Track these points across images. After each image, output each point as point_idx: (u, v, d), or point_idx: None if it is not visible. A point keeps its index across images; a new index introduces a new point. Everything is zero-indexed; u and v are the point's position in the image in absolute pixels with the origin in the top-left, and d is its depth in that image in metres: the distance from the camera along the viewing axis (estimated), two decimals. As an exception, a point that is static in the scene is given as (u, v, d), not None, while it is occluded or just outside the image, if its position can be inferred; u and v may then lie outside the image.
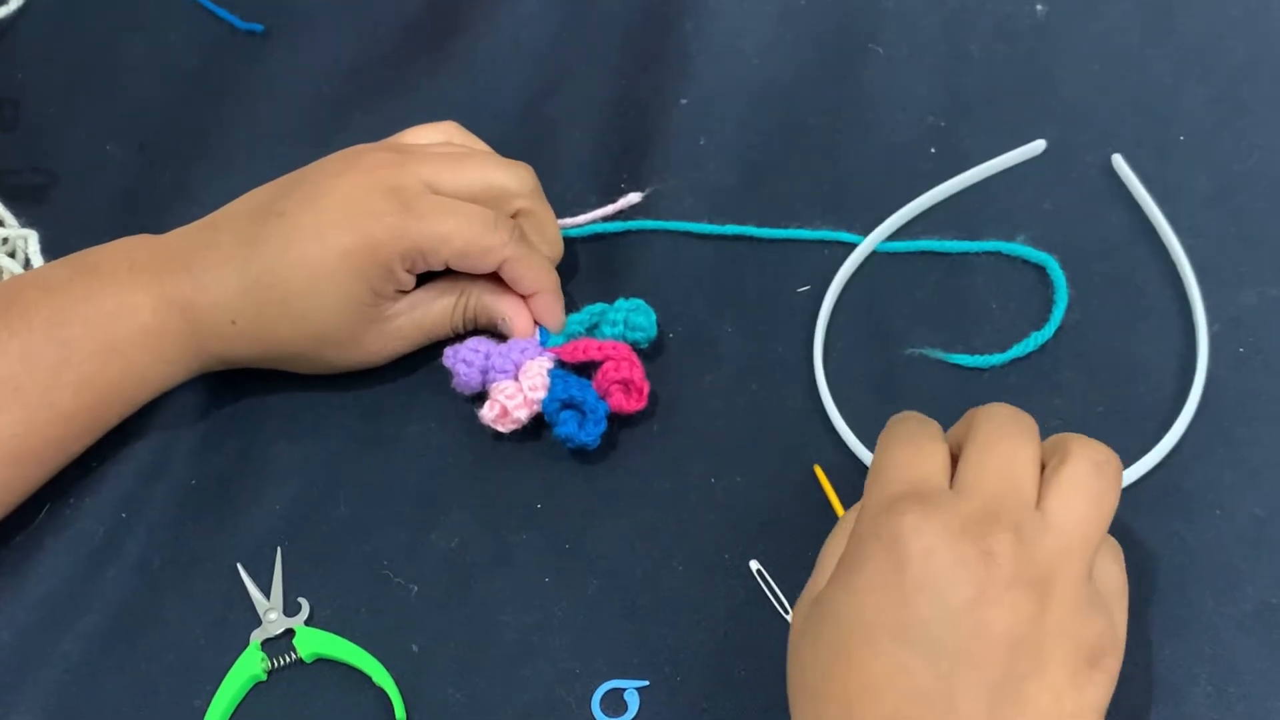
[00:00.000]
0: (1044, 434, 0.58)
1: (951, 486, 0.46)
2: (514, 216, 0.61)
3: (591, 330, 0.62)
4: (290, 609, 0.57)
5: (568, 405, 0.59)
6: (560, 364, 0.61)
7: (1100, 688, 0.44)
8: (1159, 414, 0.59)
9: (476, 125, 0.71)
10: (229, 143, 0.74)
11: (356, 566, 0.58)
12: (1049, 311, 0.62)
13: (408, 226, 0.57)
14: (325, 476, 0.61)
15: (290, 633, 0.56)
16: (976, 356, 0.61)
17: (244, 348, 0.59)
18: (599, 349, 0.60)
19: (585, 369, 0.61)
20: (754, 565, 0.56)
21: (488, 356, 0.60)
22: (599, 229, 0.67)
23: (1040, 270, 0.63)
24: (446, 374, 0.61)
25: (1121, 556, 0.48)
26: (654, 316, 0.62)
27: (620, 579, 0.57)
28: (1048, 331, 0.61)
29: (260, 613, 0.57)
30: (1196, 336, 0.60)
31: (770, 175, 0.69)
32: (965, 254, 0.65)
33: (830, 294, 0.63)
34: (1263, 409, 0.59)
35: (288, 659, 0.56)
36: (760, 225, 0.67)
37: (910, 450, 0.48)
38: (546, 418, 0.59)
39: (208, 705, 0.54)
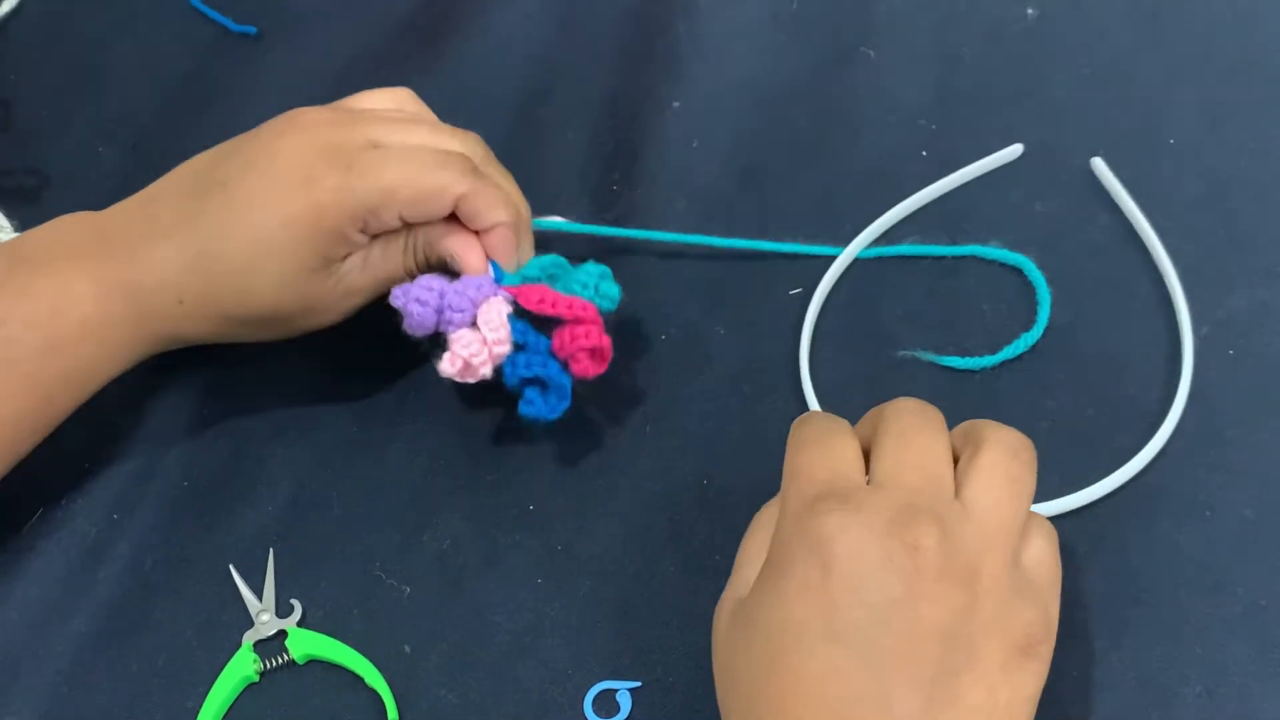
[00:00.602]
0: (1037, 436, 0.58)
1: (868, 483, 0.45)
2: None
3: (551, 281, 0.58)
4: (282, 610, 0.57)
5: (530, 382, 0.56)
6: (518, 308, 0.57)
7: (1034, 675, 0.43)
8: (1148, 415, 0.59)
9: (468, 126, 0.71)
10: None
11: (349, 567, 0.58)
12: (1040, 312, 0.62)
13: (352, 186, 0.55)
14: (317, 477, 0.61)
15: (282, 634, 0.56)
16: (967, 359, 0.61)
17: (192, 326, 0.57)
18: (569, 306, 0.56)
19: (544, 323, 0.57)
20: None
21: (442, 295, 0.56)
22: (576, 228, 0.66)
23: (1033, 270, 0.64)
24: (436, 374, 0.61)
25: (1054, 536, 0.47)
26: (611, 275, 0.59)
27: (613, 580, 0.57)
28: (1036, 333, 0.61)
29: (252, 614, 0.57)
30: (1181, 338, 0.61)
31: (762, 177, 0.69)
32: (942, 258, 0.65)
33: (815, 300, 0.63)
34: (1253, 411, 0.59)
35: (280, 660, 0.56)
36: (754, 227, 0.67)
37: (823, 449, 0.46)
38: (509, 389, 0.57)
39: (200, 706, 0.54)
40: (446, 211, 0.57)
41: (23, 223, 0.70)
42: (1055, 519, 0.56)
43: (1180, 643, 0.53)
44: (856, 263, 0.65)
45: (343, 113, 0.58)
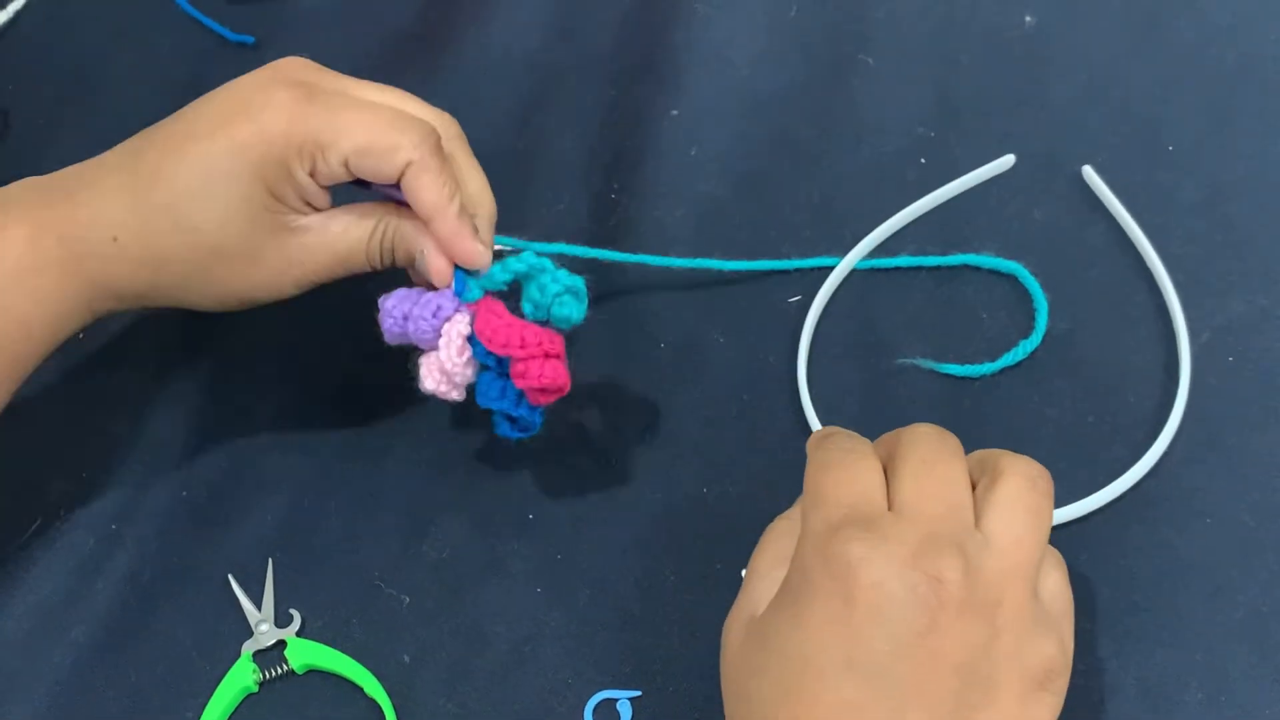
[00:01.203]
0: (1037, 443, 0.58)
1: (890, 509, 0.45)
2: None
3: (520, 282, 0.55)
4: (281, 620, 0.57)
5: (489, 403, 0.55)
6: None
7: (1049, 709, 0.43)
8: (1148, 422, 0.59)
9: (467, 135, 0.72)
10: (219, 154, 0.74)
11: (347, 577, 0.58)
12: (1040, 320, 0.62)
13: (306, 113, 0.51)
14: (315, 488, 0.61)
15: (282, 644, 0.56)
16: (966, 366, 0.61)
17: (130, 272, 0.53)
18: (514, 343, 0.53)
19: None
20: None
21: (406, 313, 0.54)
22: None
23: (1032, 278, 0.64)
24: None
25: (1064, 567, 0.46)
26: (584, 302, 0.55)
27: (612, 588, 0.57)
28: (1034, 340, 0.61)
29: (251, 624, 0.57)
30: (1179, 344, 0.61)
31: (761, 185, 0.69)
32: (940, 267, 0.65)
33: (814, 308, 0.63)
34: (1252, 417, 0.59)
35: (279, 670, 0.55)
36: (753, 234, 0.67)
37: (847, 473, 0.45)
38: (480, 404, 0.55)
39: (199, 717, 0.54)
40: (396, 173, 0.53)
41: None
42: (1055, 527, 0.56)
43: (1181, 649, 0.53)
44: (855, 271, 0.65)
45: (323, 67, 0.56)
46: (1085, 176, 0.67)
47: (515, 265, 0.55)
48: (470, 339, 0.54)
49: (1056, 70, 0.72)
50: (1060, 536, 0.56)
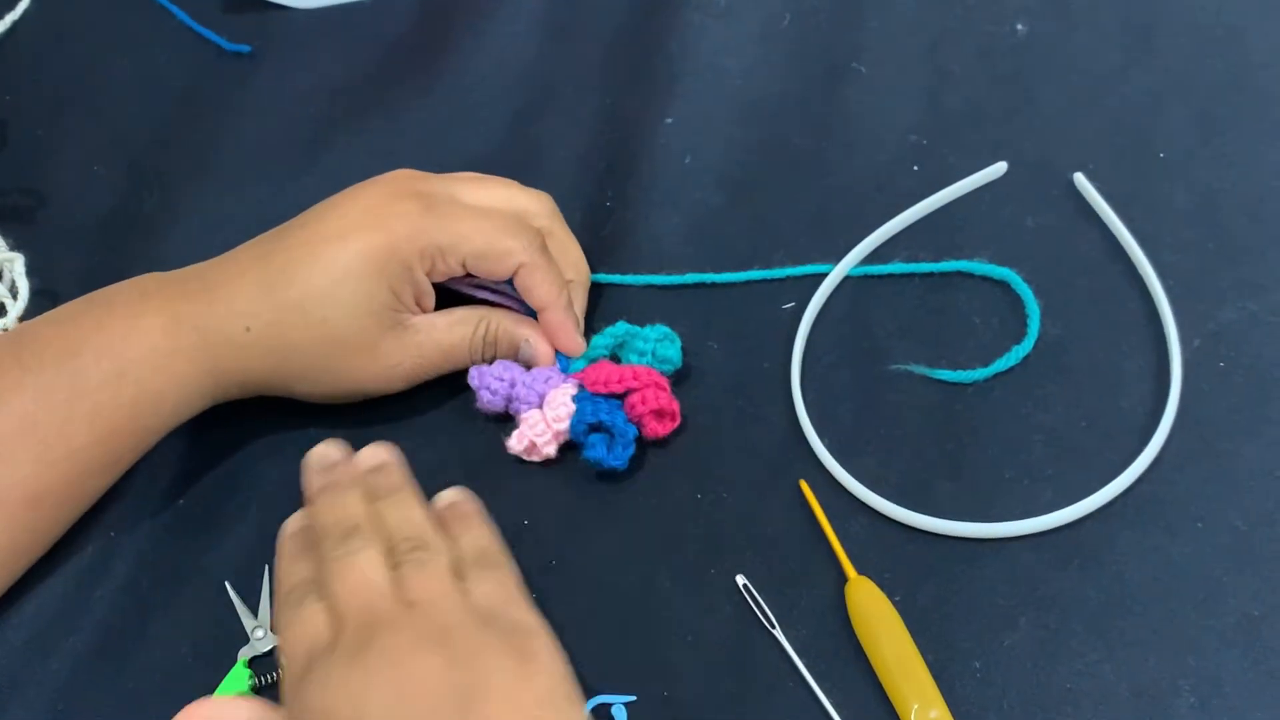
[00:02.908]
0: (1028, 449, 0.59)
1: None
2: None
3: (617, 353, 0.62)
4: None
5: (595, 428, 0.59)
6: (584, 391, 0.60)
7: (544, 670, 0.46)
8: (1140, 428, 0.59)
9: (462, 144, 0.72)
10: (217, 163, 0.74)
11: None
12: (1033, 326, 0.63)
13: (428, 223, 0.58)
14: (313, 495, 0.61)
15: (277, 650, 0.56)
16: (959, 372, 0.61)
17: (258, 359, 0.58)
18: (627, 378, 0.60)
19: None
20: (740, 580, 0.56)
21: (513, 385, 0.60)
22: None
23: (1024, 285, 0.64)
24: (432, 393, 0.62)
25: (490, 554, 0.51)
26: (679, 345, 0.62)
27: (607, 594, 0.57)
28: (1027, 345, 0.62)
29: (248, 630, 0.57)
30: (1170, 350, 0.61)
31: (755, 193, 0.69)
32: (933, 273, 0.65)
33: (808, 315, 0.64)
34: (1244, 423, 0.59)
35: (274, 676, 0.56)
36: (747, 242, 0.67)
37: (293, 631, 0.48)
38: (573, 438, 0.60)
39: (196, 723, 0.54)
40: (508, 273, 0.59)
41: (18, 241, 0.70)
42: (1049, 532, 0.56)
43: (1173, 653, 0.53)
44: (849, 278, 0.65)
45: (428, 173, 0.62)
46: (1077, 184, 0.67)
47: (612, 333, 0.62)
48: (576, 398, 0.60)
49: (1048, 78, 0.72)
50: (1053, 539, 0.56)
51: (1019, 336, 0.62)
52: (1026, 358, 0.62)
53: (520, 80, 0.76)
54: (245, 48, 0.79)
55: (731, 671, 0.55)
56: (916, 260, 0.66)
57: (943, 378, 0.61)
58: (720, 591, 0.57)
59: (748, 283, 0.66)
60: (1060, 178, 0.68)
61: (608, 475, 0.60)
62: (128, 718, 0.55)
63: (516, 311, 0.63)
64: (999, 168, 0.67)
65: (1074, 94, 0.71)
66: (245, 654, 0.56)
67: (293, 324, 0.58)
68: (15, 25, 0.82)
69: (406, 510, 0.52)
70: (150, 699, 0.56)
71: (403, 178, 0.61)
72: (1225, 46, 0.72)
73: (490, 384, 0.60)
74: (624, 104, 0.74)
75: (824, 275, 0.65)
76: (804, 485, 0.59)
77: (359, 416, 0.63)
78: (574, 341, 0.62)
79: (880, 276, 0.66)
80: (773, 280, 0.66)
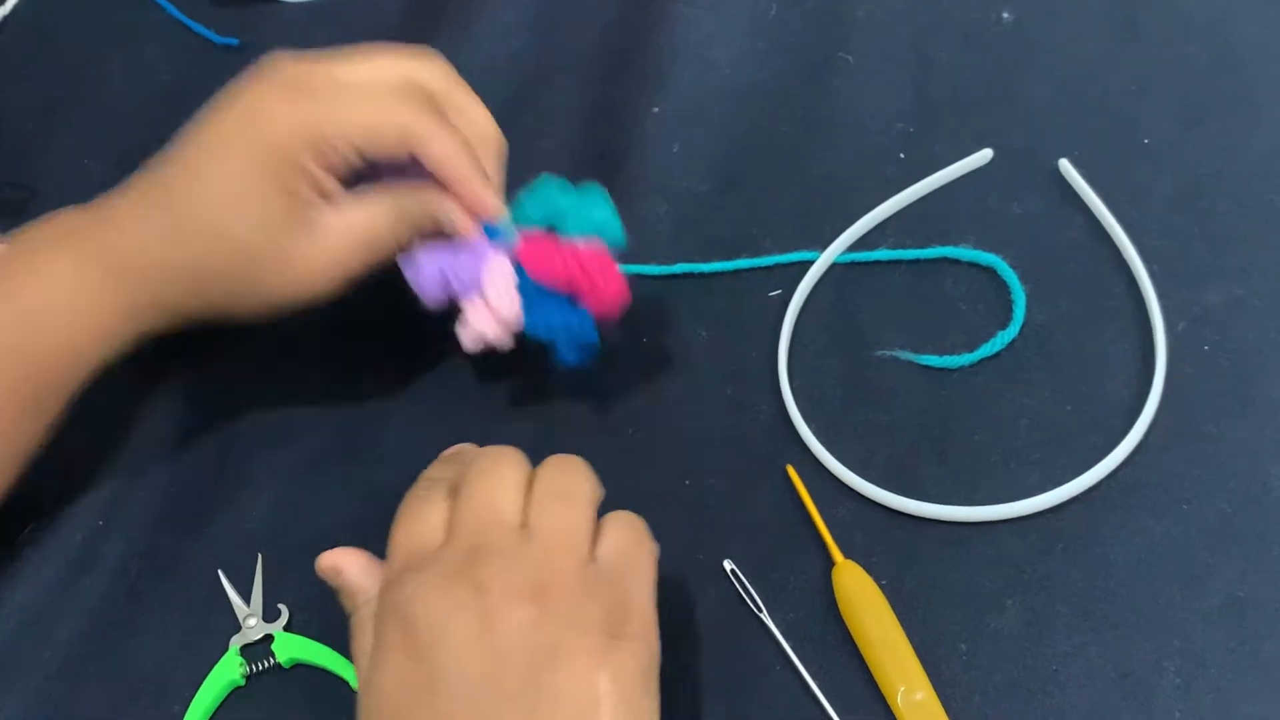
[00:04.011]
0: (1016, 432, 0.59)
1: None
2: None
3: (559, 220, 0.58)
4: (269, 614, 0.57)
5: (552, 333, 0.56)
6: (525, 278, 0.57)
7: (630, 654, 0.46)
8: (1126, 411, 0.59)
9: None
10: (206, 156, 0.74)
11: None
12: (1019, 311, 0.63)
13: (305, 112, 0.55)
14: (303, 484, 0.61)
15: (269, 638, 0.56)
16: (945, 357, 0.62)
17: (172, 283, 0.56)
18: (572, 266, 0.55)
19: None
20: (728, 565, 0.57)
21: (443, 265, 0.57)
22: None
23: (1010, 271, 0.64)
24: (422, 380, 0.62)
25: (630, 523, 0.50)
26: (615, 211, 0.58)
27: (596, 580, 0.57)
28: (1012, 331, 0.62)
29: (240, 618, 0.57)
30: (1154, 334, 0.61)
31: (742, 181, 0.70)
32: (919, 260, 0.66)
33: (794, 302, 0.64)
34: (1229, 405, 0.59)
35: (266, 664, 0.56)
36: (735, 230, 0.68)
37: (409, 522, 0.50)
38: (530, 335, 0.57)
39: (186, 710, 0.54)
40: (404, 151, 0.56)
41: (9, 235, 0.70)
42: (1035, 515, 0.57)
43: (1159, 635, 0.54)
44: (836, 265, 0.66)
45: (307, 54, 0.58)
46: (1062, 170, 0.67)
47: (542, 199, 0.57)
48: (518, 270, 0.55)
49: (1034, 66, 0.73)
50: (1038, 522, 0.57)
51: (1004, 322, 0.63)
52: (1013, 343, 0.62)
53: (509, 71, 0.76)
54: (234, 41, 0.79)
55: (719, 655, 0.55)
56: (903, 247, 0.66)
57: (929, 363, 0.62)
58: (708, 576, 0.57)
59: (735, 271, 0.66)
60: (1046, 164, 0.68)
61: (593, 463, 0.60)
62: (118, 705, 0.55)
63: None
64: (984, 155, 0.67)
65: (1060, 81, 0.72)
66: (237, 642, 0.56)
67: (193, 245, 0.55)
68: (5, 20, 0.82)
69: (569, 468, 0.51)
70: (140, 686, 0.56)
71: (279, 66, 0.57)
72: (1209, 33, 0.73)
73: (421, 265, 0.57)
74: (612, 94, 0.74)
75: (811, 263, 0.65)
76: (791, 471, 0.59)
77: (348, 409, 0.63)
78: (490, 202, 0.57)
79: (867, 264, 0.66)
80: (760, 268, 0.66)
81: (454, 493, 0.50)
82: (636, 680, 0.45)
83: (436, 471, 0.52)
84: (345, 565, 0.52)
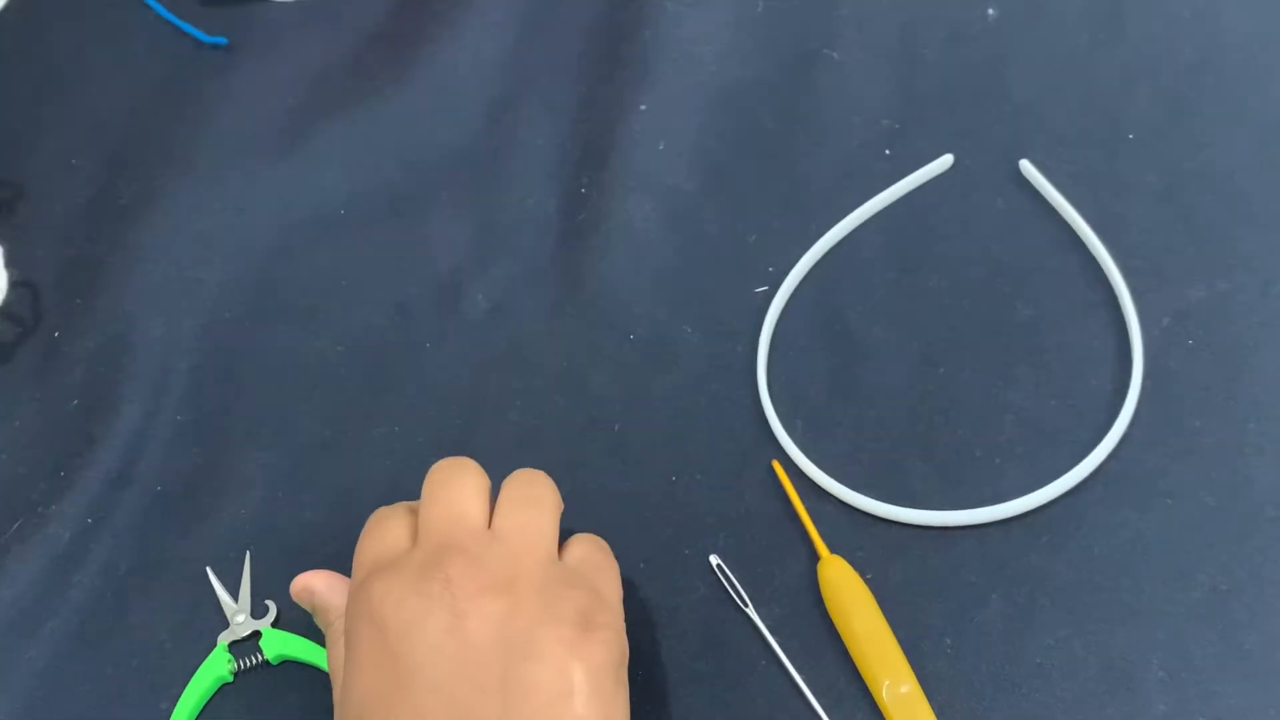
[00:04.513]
0: (1000, 428, 0.60)
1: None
2: None
3: None
4: (257, 611, 0.57)
5: None
6: None
7: (602, 644, 0.46)
8: (1109, 407, 0.60)
9: (439, 133, 0.73)
10: (195, 155, 0.74)
11: (323, 568, 0.58)
12: (1003, 309, 0.63)
13: None
14: (290, 481, 0.61)
15: (257, 634, 0.57)
16: (931, 352, 0.62)
17: None
18: None
19: None
20: (714, 560, 0.57)
21: None
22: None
23: (996, 268, 0.64)
24: (409, 377, 0.62)
25: (599, 541, 0.52)
26: None
27: (583, 576, 0.57)
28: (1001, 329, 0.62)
29: (228, 615, 0.57)
30: (1129, 329, 0.61)
31: (729, 178, 0.70)
32: (920, 253, 0.66)
33: (777, 300, 0.64)
34: (1212, 400, 0.60)
35: (254, 660, 0.56)
36: (721, 227, 0.68)
37: (372, 535, 0.51)
38: None
39: (174, 707, 0.55)
40: None
41: (-3, 234, 0.70)
42: (1021, 514, 0.57)
43: (1142, 628, 0.54)
44: (821, 262, 0.66)
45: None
46: (1023, 170, 0.67)
47: None
48: None
49: (1019, 62, 0.73)
50: (1022, 518, 0.57)
51: (992, 319, 0.63)
52: (998, 338, 0.62)
53: (496, 69, 0.76)
54: (223, 40, 0.79)
55: (705, 650, 0.55)
56: (887, 244, 0.66)
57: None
58: (694, 572, 0.57)
59: (721, 268, 0.66)
60: (1031, 160, 0.68)
61: (580, 460, 0.60)
62: (106, 702, 0.56)
63: None
64: (945, 160, 0.68)
65: (1044, 77, 0.72)
66: (225, 639, 0.57)
67: None
68: (-7, 19, 0.82)
69: (534, 478, 0.52)
70: (128, 683, 0.56)
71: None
72: (1194, 28, 0.73)
73: None
74: (598, 91, 0.74)
75: (796, 260, 0.66)
76: (777, 466, 0.59)
77: (336, 406, 0.63)
78: None
79: (852, 261, 0.66)
80: (747, 264, 0.66)
81: (411, 511, 0.52)
82: (608, 671, 0.46)
83: (392, 505, 0.53)
84: (316, 585, 0.53)
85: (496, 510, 0.50)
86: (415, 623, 0.45)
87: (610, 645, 0.47)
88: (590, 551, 0.51)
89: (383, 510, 0.52)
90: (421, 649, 0.45)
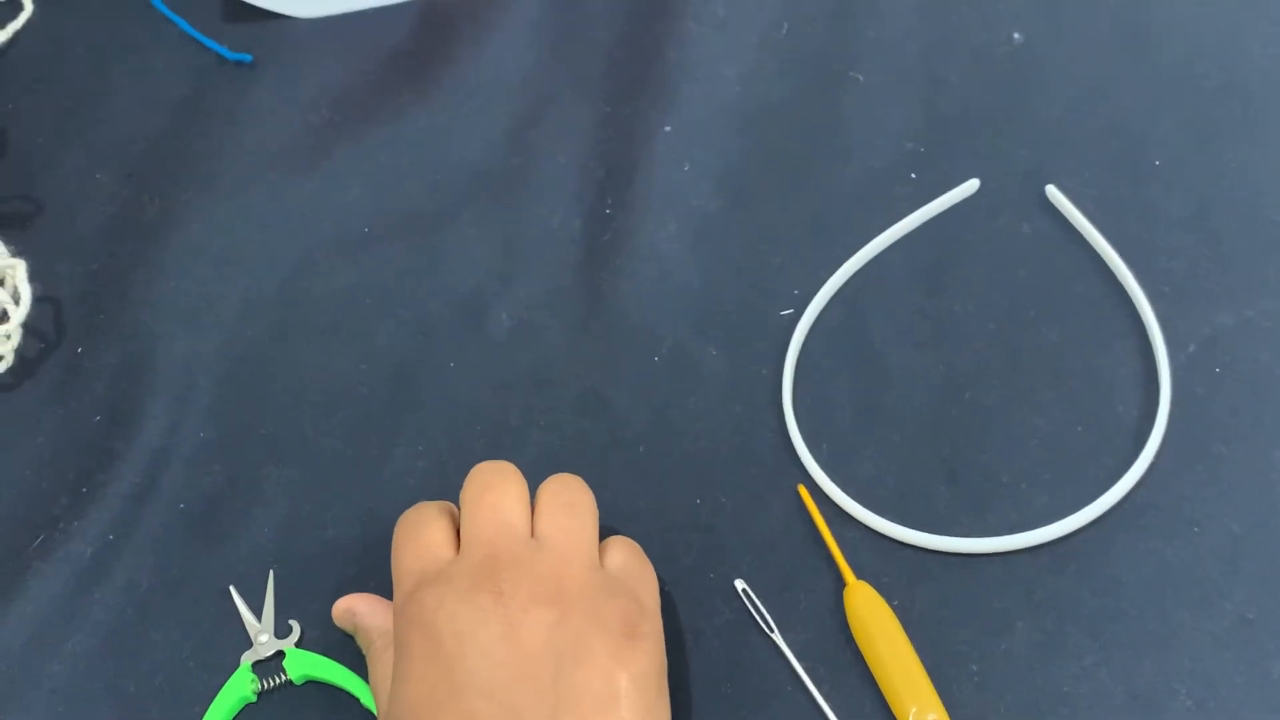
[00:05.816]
0: (1026, 454, 0.59)
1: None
2: None
3: None
4: (281, 631, 0.57)
5: None
6: None
7: (645, 653, 0.48)
8: (1136, 433, 0.59)
9: (463, 151, 0.73)
10: (217, 171, 0.74)
11: (346, 588, 0.58)
12: (1030, 334, 0.63)
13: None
14: (312, 499, 0.61)
15: (280, 654, 0.56)
16: (957, 377, 0.61)
17: None
18: None
19: None
20: (739, 585, 0.57)
21: None
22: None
23: (1022, 293, 0.64)
24: (432, 395, 0.62)
25: (635, 545, 0.54)
26: None
27: (606, 599, 0.57)
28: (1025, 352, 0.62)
29: (251, 635, 0.57)
30: (1155, 355, 0.61)
31: (753, 200, 0.70)
32: (946, 277, 0.66)
33: (803, 323, 0.64)
34: (1239, 427, 0.60)
35: (277, 680, 0.56)
36: (746, 249, 0.68)
37: (413, 542, 0.52)
38: None
39: (197, 727, 0.55)
40: None
41: (19, 248, 0.70)
42: (1046, 542, 0.57)
43: (1169, 657, 0.54)
44: (847, 285, 0.66)
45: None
46: (1049, 195, 0.67)
47: None
48: None
49: (1044, 86, 0.73)
50: (1049, 546, 0.57)
51: (1016, 342, 0.63)
52: (1023, 364, 0.62)
53: (520, 88, 0.76)
54: (247, 56, 0.79)
55: (730, 675, 0.55)
56: (912, 269, 0.66)
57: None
58: (719, 596, 0.57)
59: (746, 290, 0.66)
60: (1057, 185, 0.68)
61: (603, 481, 0.60)
62: (128, 721, 0.56)
63: None
64: (972, 184, 0.67)
65: (1069, 102, 0.72)
66: (249, 658, 0.56)
67: None
68: (18, 34, 0.82)
69: (572, 483, 0.54)
70: (150, 702, 0.56)
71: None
72: (1218, 52, 0.73)
73: None
74: (623, 112, 0.74)
75: (821, 283, 0.65)
76: (803, 491, 0.59)
77: (358, 424, 0.63)
78: None
79: (878, 284, 0.66)
80: (772, 286, 0.66)
81: (446, 513, 0.53)
82: (651, 679, 0.48)
83: (414, 512, 0.54)
84: (358, 607, 0.55)
85: (537, 516, 0.51)
86: (469, 632, 0.47)
87: (652, 654, 0.49)
88: (629, 558, 0.53)
89: (414, 515, 0.53)
90: (474, 656, 0.46)
